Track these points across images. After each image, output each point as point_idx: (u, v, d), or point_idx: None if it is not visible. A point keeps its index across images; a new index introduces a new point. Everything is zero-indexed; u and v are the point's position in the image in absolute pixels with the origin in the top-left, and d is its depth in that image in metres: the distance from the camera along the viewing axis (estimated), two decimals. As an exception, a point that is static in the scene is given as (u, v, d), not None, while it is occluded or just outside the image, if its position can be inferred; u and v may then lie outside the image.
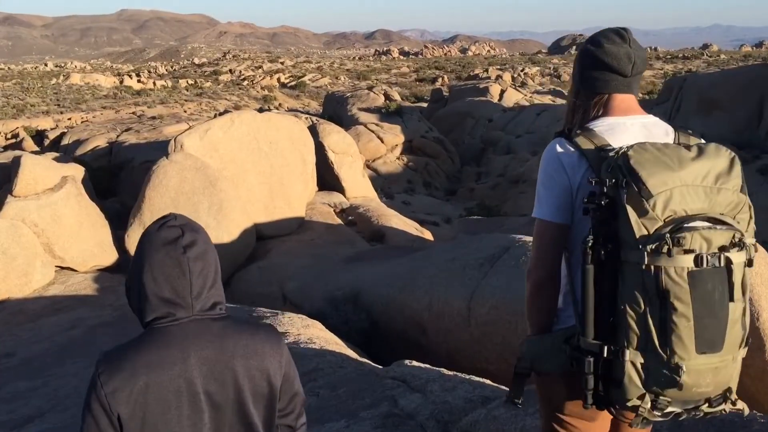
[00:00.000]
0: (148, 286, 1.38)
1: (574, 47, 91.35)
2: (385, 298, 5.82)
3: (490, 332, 4.71)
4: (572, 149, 1.75)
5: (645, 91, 42.53)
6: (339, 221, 11.00)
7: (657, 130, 1.79)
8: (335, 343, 4.52)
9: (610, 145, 1.71)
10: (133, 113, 32.42)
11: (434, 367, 3.55)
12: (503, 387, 3.15)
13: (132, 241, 8.23)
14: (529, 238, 5.38)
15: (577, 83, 1.93)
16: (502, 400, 2.90)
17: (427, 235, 11.68)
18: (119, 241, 8.64)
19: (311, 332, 4.73)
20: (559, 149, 1.78)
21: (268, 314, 5.36)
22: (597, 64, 1.87)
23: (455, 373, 3.42)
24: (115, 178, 14.95)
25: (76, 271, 8.27)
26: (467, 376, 3.36)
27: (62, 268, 8.23)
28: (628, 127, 1.76)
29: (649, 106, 28.62)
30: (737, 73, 24.68)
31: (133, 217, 8.53)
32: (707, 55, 73.79)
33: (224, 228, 8.56)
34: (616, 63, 1.84)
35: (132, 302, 1.43)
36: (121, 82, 51.90)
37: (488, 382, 3.32)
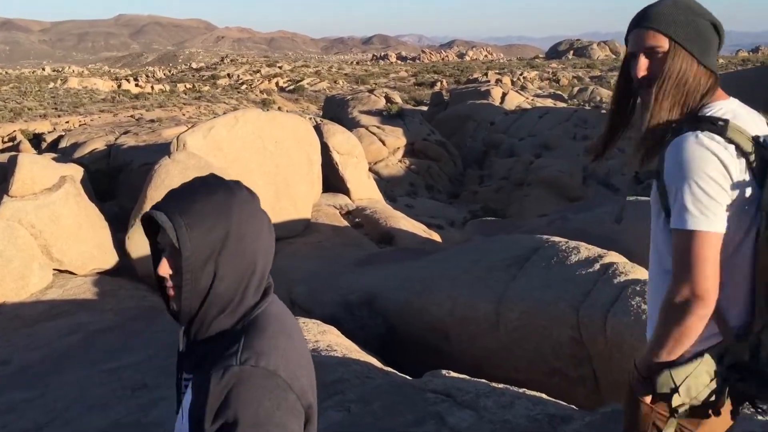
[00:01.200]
0: (259, 260, 1.21)
1: (572, 52, 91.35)
2: (403, 302, 5.49)
3: (521, 339, 4.39)
4: (726, 143, 1.60)
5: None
6: (345, 223, 10.69)
7: (756, 116, 1.74)
8: (356, 351, 4.20)
9: (760, 137, 1.64)
10: (132, 116, 32.06)
11: (480, 380, 3.23)
12: (563, 403, 2.85)
13: (133, 243, 7.90)
14: (558, 239, 5.08)
15: (699, 57, 1.73)
16: (578, 422, 2.58)
17: (436, 237, 11.37)
18: (119, 244, 8.31)
19: (329, 338, 4.41)
20: (711, 144, 1.60)
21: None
22: (715, 42, 1.77)
23: (506, 386, 3.09)
24: (114, 181, 14.62)
25: (74, 274, 7.93)
26: (521, 390, 3.04)
27: (60, 271, 7.89)
28: (742, 113, 1.69)
29: (652, 109, 28.40)
30: (743, 75, 24.47)
31: (134, 218, 8.21)
32: (705, 59, 73.60)
33: (229, 230, 8.23)
34: (722, 39, 1.79)
35: (220, 289, 1.19)
36: (119, 86, 51.58)
37: (545, 396, 2.99)
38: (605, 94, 37.29)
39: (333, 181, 12.03)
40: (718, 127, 1.64)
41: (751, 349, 1.64)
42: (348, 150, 12.46)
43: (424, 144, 25.24)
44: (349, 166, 12.33)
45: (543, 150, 24.46)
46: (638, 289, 4.05)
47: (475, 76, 53.99)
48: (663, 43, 1.74)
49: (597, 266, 4.39)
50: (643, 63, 1.76)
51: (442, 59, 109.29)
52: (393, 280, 6.03)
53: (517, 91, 32.74)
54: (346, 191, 12.17)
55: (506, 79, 46.05)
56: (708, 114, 1.70)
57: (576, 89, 40.77)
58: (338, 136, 12.37)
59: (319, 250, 8.93)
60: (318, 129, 12.03)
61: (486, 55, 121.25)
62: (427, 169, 24.74)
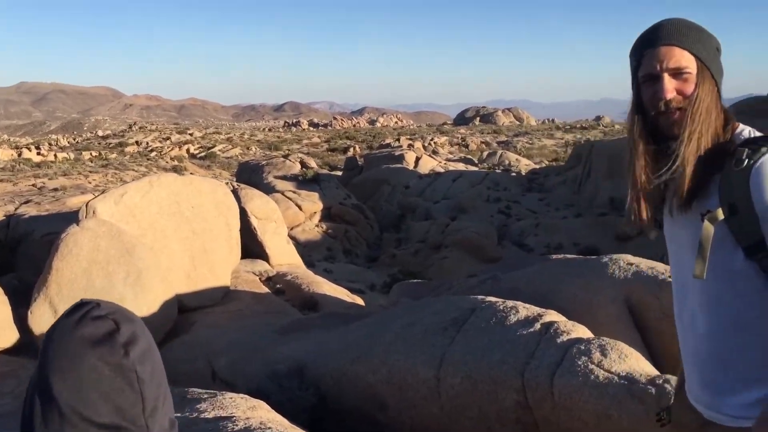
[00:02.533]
0: (75, 409, 0.91)
1: (478, 118, 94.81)
2: (336, 370, 5.22)
3: (464, 405, 4.20)
4: None
5: (550, 158, 44.25)
6: (266, 290, 10.31)
7: None
8: (291, 427, 3.89)
9: None
10: (33, 185, 30.52)
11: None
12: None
13: (36, 319, 7.28)
14: (494, 299, 4.98)
15: (719, 83, 1.66)
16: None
17: (359, 301, 11.15)
18: (20, 320, 7.65)
19: (260, 414, 4.08)
20: None
21: (205, 395, 4.66)
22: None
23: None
24: (13, 253, 13.68)
25: (-32, 354, 7.22)
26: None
27: (-49, 352, 7.16)
28: None
29: (558, 171, 29.57)
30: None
31: (37, 291, 7.59)
32: (602, 125, 78.08)
33: (143, 300, 7.74)
34: None
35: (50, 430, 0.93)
36: (20, 154, 49.31)
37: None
38: (513, 157, 38.62)
39: (252, 246, 11.66)
40: None
41: None
42: (267, 215, 12.17)
43: (340, 208, 25.19)
44: (268, 231, 12.02)
45: (458, 212, 24.85)
46: (583, 348, 3.96)
47: (388, 141, 54.97)
48: (691, 64, 1.61)
49: (538, 326, 4.29)
50: (669, 84, 1.62)
51: (354, 125, 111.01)
52: (323, 347, 5.75)
53: (430, 156, 33.42)
54: (265, 257, 11.82)
55: (418, 144, 47.05)
56: (752, 136, 1.60)
57: (485, 153, 42.08)
58: (256, 201, 12.08)
59: (240, 319, 8.51)
60: (236, 193, 11.72)
61: (396, 122, 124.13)
62: (345, 233, 24.62)
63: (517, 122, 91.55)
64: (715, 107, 1.61)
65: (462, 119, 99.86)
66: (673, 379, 3.72)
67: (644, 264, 5.21)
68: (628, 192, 1.78)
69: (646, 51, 1.65)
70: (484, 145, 54.88)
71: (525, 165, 35.82)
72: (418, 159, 31.10)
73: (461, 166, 32.60)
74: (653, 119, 1.67)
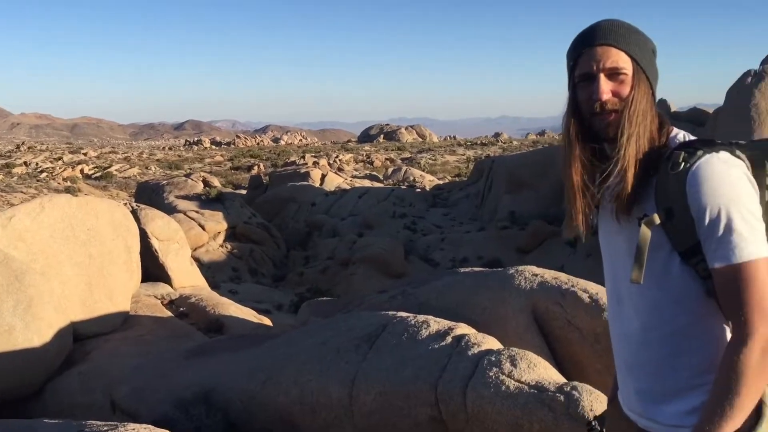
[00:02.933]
0: None
1: (382, 136, 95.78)
2: (245, 393, 5.05)
3: (378, 423, 4.15)
4: (742, 162, 1.49)
5: (453, 174, 45.22)
6: (169, 314, 9.93)
7: None
8: (199, 456, 3.71)
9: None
10: None
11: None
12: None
13: None
14: (405, 314, 4.97)
15: (653, 87, 1.63)
16: None
17: (267, 322, 10.93)
18: None
19: (166, 445, 3.87)
20: (737, 163, 1.48)
21: (105, 428, 4.39)
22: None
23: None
24: None
25: None
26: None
27: None
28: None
29: (461, 186, 30.23)
30: (540, 153, 26.86)
31: None
32: (501, 142, 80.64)
33: (34, 329, 7.25)
34: None
35: None
36: None
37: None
38: (417, 174, 39.21)
39: (153, 269, 11.22)
40: (729, 146, 1.51)
41: None
42: (169, 236, 11.76)
43: (245, 227, 24.72)
44: (170, 253, 11.61)
45: (365, 228, 24.92)
46: (493, 359, 4.00)
47: (293, 159, 54.58)
48: (627, 65, 1.58)
49: (449, 339, 4.31)
50: (605, 85, 1.58)
51: (258, 144, 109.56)
52: (231, 371, 5.56)
53: (335, 173, 33.43)
54: (167, 279, 11.40)
55: (323, 162, 46.99)
56: (686, 139, 1.59)
57: (390, 170, 42.53)
58: (158, 222, 11.65)
59: (141, 345, 8.14)
60: (135, 214, 11.26)
61: (301, 139, 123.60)
62: (250, 252, 24.16)
63: (420, 139, 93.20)
64: (650, 110, 1.59)
65: (366, 137, 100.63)
66: (580, 386, 3.82)
67: (548, 274, 5.35)
68: (565, 195, 1.75)
69: (583, 50, 1.61)
70: (388, 162, 55.46)
71: (429, 181, 36.44)
72: (323, 176, 31.04)
73: (367, 183, 32.79)
74: (588, 120, 1.63)
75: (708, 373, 1.50)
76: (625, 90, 1.59)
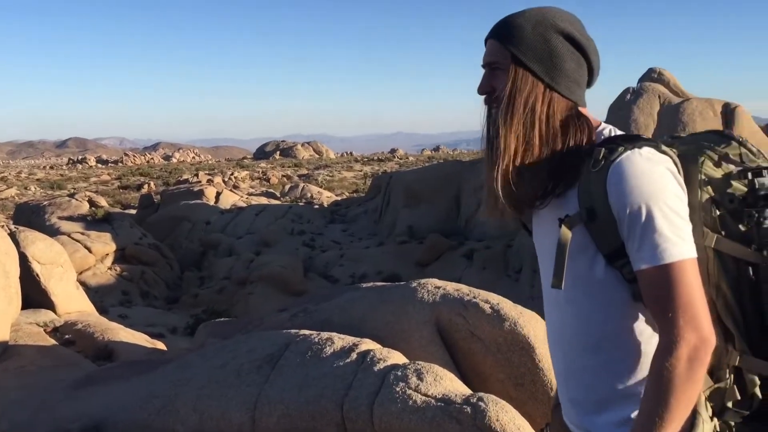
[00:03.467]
0: None
1: (278, 153, 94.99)
2: (139, 424, 4.75)
3: (283, 445, 4.00)
4: (668, 158, 1.41)
5: (350, 190, 45.37)
6: (53, 342, 9.29)
7: None
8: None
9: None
10: None
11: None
12: None
13: None
14: (308, 332, 4.85)
15: (557, 77, 1.52)
16: None
17: (161, 346, 10.46)
18: None
19: (50, 485, 3.56)
20: (662, 159, 1.40)
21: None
22: (577, 64, 1.55)
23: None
24: None
25: None
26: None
27: None
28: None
29: (360, 202, 30.34)
30: (435, 168, 27.38)
31: None
32: (397, 158, 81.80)
33: None
34: (596, 66, 1.60)
35: None
36: None
37: None
38: (315, 190, 39.06)
39: (35, 295, 10.50)
40: (653, 142, 1.43)
41: (738, 385, 1.43)
42: (51, 259, 11.06)
43: (136, 248, 23.72)
44: (53, 277, 10.91)
45: (263, 246, 24.49)
46: (399, 374, 3.95)
47: (185, 177, 53.09)
48: (501, 59, 1.52)
49: (354, 356, 4.22)
50: (483, 78, 1.54)
51: (147, 161, 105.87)
52: (123, 400, 5.23)
53: (231, 190, 32.72)
54: (51, 305, 10.69)
55: (218, 179, 45.95)
56: (612, 135, 1.51)
57: (287, 187, 42.15)
58: (39, 244, 10.93)
59: (23, 377, 7.55)
60: (13, 237, 10.52)
61: (193, 157, 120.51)
62: (141, 274, 23.17)
63: (317, 155, 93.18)
64: (538, 104, 1.50)
65: (262, 153, 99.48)
66: (486, 397, 3.83)
67: (450, 286, 5.38)
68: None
69: (485, 43, 1.59)
70: (285, 179, 54.96)
71: (327, 197, 36.37)
72: (218, 194, 30.30)
73: (264, 200, 32.31)
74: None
75: (639, 383, 1.45)
76: (498, 83, 1.53)
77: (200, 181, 41.67)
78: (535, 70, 1.51)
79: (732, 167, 1.45)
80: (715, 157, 1.46)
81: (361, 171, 62.98)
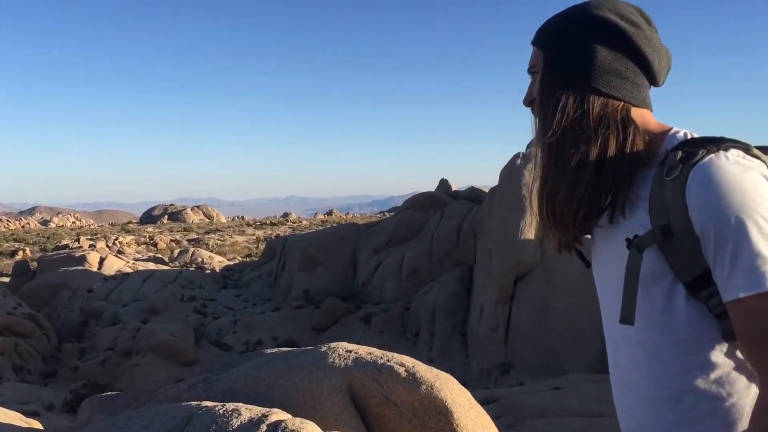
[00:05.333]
0: None
1: (166, 217, 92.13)
2: None
3: None
4: (761, 163, 1.15)
5: (243, 254, 44.39)
6: None
7: None
8: None
9: None
10: None
11: None
12: None
13: None
14: (211, 403, 4.47)
15: (592, 72, 1.30)
16: None
17: (37, 425, 9.50)
18: None
19: None
20: (754, 164, 1.14)
21: None
22: (625, 51, 1.31)
23: None
24: None
25: None
26: None
27: None
28: None
29: (253, 266, 29.64)
30: (332, 231, 27.24)
31: None
32: (290, 221, 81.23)
33: None
34: (653, 58, 1.32)
35: None
36: None
37: None
38: (205, 254, 37.87)
39: None
40: (741, 144, 1.20)
41: None
42: None
43: (9, 319, 21.91)
44: None
45: (151, 314, 23.30)
46: (316, 445, 3.67)
47: (65, 242, 50.23)
48: (536, 62, 1.37)
49: (264, 427, 3.91)
50: (530, 87, 1.39)
51: (23, 227, 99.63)
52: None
53: (116, 256, 31.16)
54: None
55: (101, 244, 43.75)
56: (689, 137, 1.27)
57: (177, 251, 40.70)
58: None
59: None
60: None
61: (74, 221, 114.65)
62: (15, 347, 21.33)
63: (207, 219, 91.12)
64: (561, 106, 1.32)
65: (149, 217, 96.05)
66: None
67: (362, 350, 5.17)
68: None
69: None
70: (174, 244, 53.11)
71: (219, 262, 35.30)
72: (102, 259, 28.75)
73: (152, 266, 30.90)
74: None
75: None
76: (534, 89, 1.38)
77: (82, 247, 39.49)
78: (566, 66, 1.31)
79: None
80: None
81: (253, 235, 61.92)
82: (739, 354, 1.21)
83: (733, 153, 1.18)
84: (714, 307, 1.19)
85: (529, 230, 15.47)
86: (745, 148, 1.20)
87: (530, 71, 1.39)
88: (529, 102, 1.40)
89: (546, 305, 15.47)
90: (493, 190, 18.64)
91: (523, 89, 1.40)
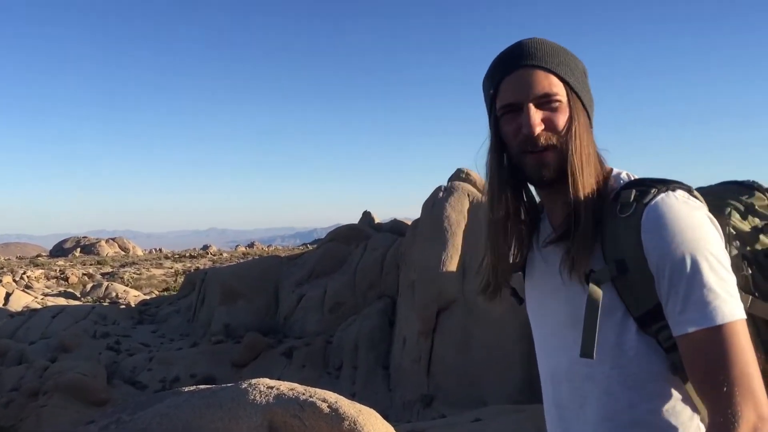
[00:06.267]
0: None
1: (79, 249, 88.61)
2: None
3: None
4: (705, 207, 1.20)
5: (160, 288, 43.07)
6: None
7: None
8: None
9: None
10: None
11: None
12: None
13: None
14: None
15: (592, 110, 1.35)
16: None
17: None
18: None
19: None
20: (699, 205, 1.19)
21: None
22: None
23: None
24: None
25: None
26: None
27: None
28: None
29: (171, 301, 28.79)
30: (254, 264, 26.80)
31: None
32: (211, 254, 79.47)
33: None
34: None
35: None
36: None
37: None
38: (120, 289, 36.53)
39: None
40: (686, 185, 1.24)
41: None
42: None
43: None
44: None
45: (60, 352, 22.19)
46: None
47: (-33, 277, 47.42)
48: (560, 90, 1.29)
49: (181, 470, 3.75)
50: (536, 115, 1.28)
51: None
52: None
53: (23, 291, 29.66)
54: None
55: (7, 279, 41.57)
56: (633, 178, 1.30)
57: (89, 286, 39.08)
58: None
59: None
60: None
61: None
62: None
63: (123, 252, 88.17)
64: (592, 144, 1.33)
65: (60, 250, 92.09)
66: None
67: (284, 386, 5.07)
68: (485, 252, 1.40)
69: (506, 75, 1.31)
70: (86, 278, 51.00)
71: (134, 296, 34.10)
72: (8, 295, 27.31)
73: (62, 301, 29.54)
74: (517, 159, 1.33)
75: None
76: (561, 120, 1.30)
77: (-14, 281, 37.36)
78: (586, 105, 1.34)
79: (757, 220, 1.30)
80: (742, 209, 1.31)
81: (171, 268, 60.20)
82: (685, 386, 1.24)
83: (681, 194, 1.23)
84: (663, 340, 1.22)
85: (451, 262, 15.68)
86: (689, 190, 1.25)
87: (547, 98, 1.31)
88: (540, 132, 1.32)
89: (468, 337, 15.64)
90: (416, 222, 18.83)
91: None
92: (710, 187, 1.38)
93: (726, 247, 1.22)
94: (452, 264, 15.70)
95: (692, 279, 1.15)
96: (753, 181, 1.37)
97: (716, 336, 1.13)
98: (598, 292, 1.21)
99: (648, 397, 1.23)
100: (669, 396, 1.23)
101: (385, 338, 19.46)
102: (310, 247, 38.79)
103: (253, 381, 5.23)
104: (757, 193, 1.33)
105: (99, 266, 63.69)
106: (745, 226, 1.29)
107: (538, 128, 1.29)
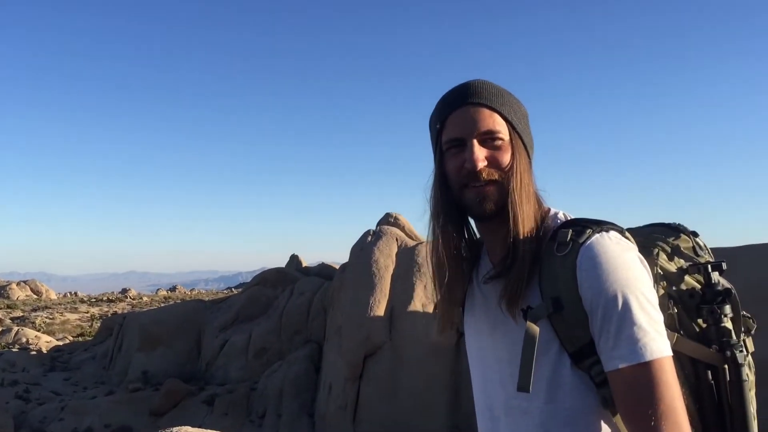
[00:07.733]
0: None
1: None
2: None
3: None
4: (636, 247, 1.25)
5: (75, 334, 41.19)
6: None
7: None
8: None
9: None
10: None
11: None
12: None
13: None
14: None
15: (532, 152, 1.41)
16: None
17: None
18: None
19: None
20: (630, 245, 1.24)
21: None
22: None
23: None
24: None
25: None
26: None
27: None
28: None
29: (86, 347, 27.55)
30: (175, 308, 26.02)
31: None
32: (130, 298, 76.78)
33: None
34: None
35: None
36: None
37: None
38: (31, 334, 34.70)
39: None
40: (617, 226, 1.28)
41: None
42: None
43: None
44: None
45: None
46: None
47: None
48: (503, 129, 1.33)
49: None
50: (479, 151, 1.31)
51: None
52: None
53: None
54: None
55: None
56: (569, 218, 1.35)
57: (-2, 331, 36.99)
58: None
59: None
60: None
61: None
62: None
63: (35, 296, 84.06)
64: (532, 182, 1.37)
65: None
66: None
67: (207, 433, 4.89)
68: (436, 290, 1.42)
69: (452, 111, 1.34)
70: (-5, 322, 48.31)
71: (46, 342, 32.43)
72: None
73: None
74: (458, 194, 1.35)
75: None
76: (504, 158, 1.34)
77: None
78: (527, 146, 1.39)
79: (683, 261, 1.37)
80: (668, 250, 1.37)
81: (87, 312, 57.72)
82: (614, 420, 1.28)
83: (614, 234, 1.28)
84: (595, 375, 1.25)
85: (379, 307, 15.65)
86: (621, 231, 1.30)
87: (490, 135, 1.35)
88: (488, 165, 1.35)
89: (394, 382, 15.53)
90: (344, 266, 18.76)
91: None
92: (639, 228, 1.45)
93: (654, 287, 1.27)
94: (380, 309, 15.67)
95: (623, 317, 1.19)
96: (678, 224, 1.43)
97: (645, 372, 1.18)
98: (535, 328, 1.25)
99: (581, 430, 1.27)
100: (599, 429, 1.27)
101: (311, 385, 19.10)
102: (235, 291, 38.01)
103: (174, 429, 5.03)
104: (683, 236, 1.40)
105: (9, 310, 60.41)
106: (672, 267, 1.35)
107: (481, 163, 1.33)
